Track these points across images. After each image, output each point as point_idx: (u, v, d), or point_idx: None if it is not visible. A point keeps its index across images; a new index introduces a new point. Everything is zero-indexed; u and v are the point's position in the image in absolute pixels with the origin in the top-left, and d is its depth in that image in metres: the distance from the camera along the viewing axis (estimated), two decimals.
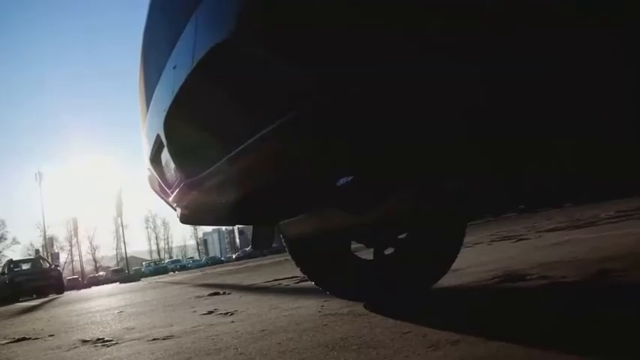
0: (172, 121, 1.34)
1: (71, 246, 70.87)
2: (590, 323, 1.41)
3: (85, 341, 2.72)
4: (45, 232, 58.44)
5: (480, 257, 3.99)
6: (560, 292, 2.04)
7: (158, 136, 1.51)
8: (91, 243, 74.10)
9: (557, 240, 4.38)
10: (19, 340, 3.36)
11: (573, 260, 2.84)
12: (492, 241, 5.86)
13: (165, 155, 1.57)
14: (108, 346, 2.40)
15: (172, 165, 1.55)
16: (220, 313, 3.07)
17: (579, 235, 4.53)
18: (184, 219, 2.00)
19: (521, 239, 5.30)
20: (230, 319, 2.73)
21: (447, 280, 2.66)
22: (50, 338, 3.19)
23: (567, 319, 1.51)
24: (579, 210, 8.50)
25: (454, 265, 2.63)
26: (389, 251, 2.54)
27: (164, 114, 1.34)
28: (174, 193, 1.69)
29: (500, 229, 8.00)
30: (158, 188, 1.97)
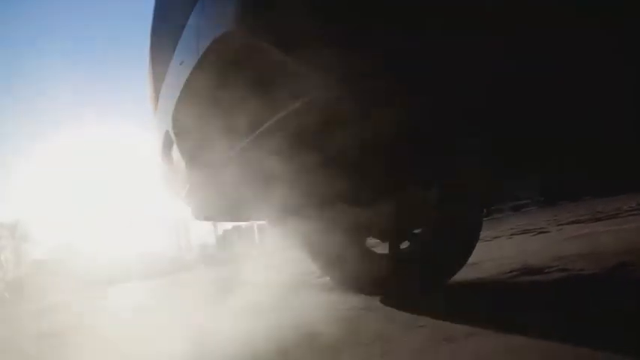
0: (180, 116, 1.35)
1: (94, 245, 71.80)
2: (606, 317, 1.38)
3: (105, 339, 2.76)
4: (68, 232, 59.33)
5: (498, 251, 3.95)
6: (579, 285, 2.01)
7: (167, 132, 1.52)
8: (113, 242, 75.02)
9: (578, 233, 4.31)
10: (42, 337, 3.43)
11: (593, 253, 2.80)
12: (512, 234, 5.79)
13: (175, 151, 1.58)
14: (126, 345, 2.43)
15: (182, 161, 1.56)
16: (238, 307, 3.08)
17: (600, 227, 4.46)
18: (196, 215, 2.01)
19: (541, 232, 5.23)
20: (249, 312, 2.74)
21: (464, 274, 2.64)
22: (73, 335, 3.25)
23: (584, 312, 1.49)
24: (601, 202, 8.37)
25: (472, 259, 2.60)
26: (404, 245, 2.53)
27: (172, 110, 1.35)
28: (186, 190, 1.70)
29: (520, 223, 7.90)
30: (170, 184, 1.98)
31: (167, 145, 1.65)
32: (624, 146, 0.97)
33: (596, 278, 2.06)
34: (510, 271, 2.63)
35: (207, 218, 2.21)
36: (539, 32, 0.76)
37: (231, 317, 2.70)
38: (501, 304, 1.89)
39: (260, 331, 2.08)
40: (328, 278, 2.57)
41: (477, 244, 2.62)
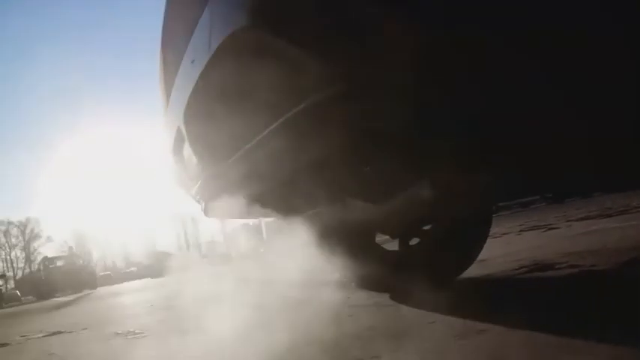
0: (192, 113, 1.36)
1: (103, 243, 72.10)
2: (618, 313, 1.38)
3: (117, 334, 2.78)
4: (78, 230, 59.62)
5: (508, 247, 3.94)
6: (590, 281, 2.00)
7: (179, 129, 1.53)
8: (122, 239, 75.42)
9: (587, 229, 4.29)
10: (54, 333, 3.46)
11: (603, 249, 2.78)
12: (521, 231, 5.77)
13: (187, 148, 1.59)
14: (139, 339, 2.45)
15: (194, 158, 1.57)
16: (247, 305, 3.09)
17: (610, 223, 4.43)
18: (208, 212, 2.02)
19: (551, 228, 5.20)
20: (258, 311, 2.75)
21: (474, 271, 2.63)
22: (84, 331, 3.27)
23: (596, 308, 1.48)
24: (610, 199, 8.31)
25: (481, 256, 2.60)
26: (414, 242, 2.52)
27: (184, 107, 1.36)
28: (197, 186, 1.71)
29: (529, 219, 7.87)
30: (181, 182, 1.99)
31: (179, 142, 1.66)
32: (625, 146, 0.97)
33: (607, 274, 2.06)
34: (520, 268, 2.62)
35: (217, 215, 2.21)
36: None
37: (243, 313, 2.71)
38: (512, 300, 1.89)
39: (270, 331, 2.09)
40: (337, 275, 2.57)
41: (486, 241, 2.61)
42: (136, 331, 2.71)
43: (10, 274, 62.95)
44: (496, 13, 0.79)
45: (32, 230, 68.29)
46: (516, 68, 0.83)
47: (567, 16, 0.75)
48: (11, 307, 18.20)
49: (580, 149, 1.00)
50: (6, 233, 66.73)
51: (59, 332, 3.47)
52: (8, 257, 66.24)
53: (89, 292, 18.78)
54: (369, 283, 2.52)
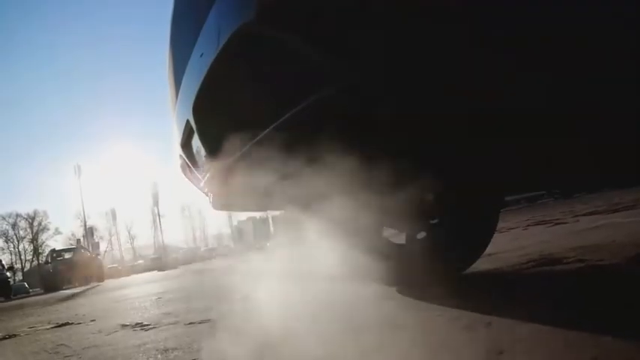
0: (201, 106, 1.37)
1: (110, 235, 72.60)
2: (626, 307, 1.38)
3: (124, 325, 2.80)
4: (85, 223, 60.02)
5: (515, 242, 3.93)
6: (597, 275, 2.00)
7: (188, 122, 1.54)
8: (129, 232, 75.90)
9: (595, 224, 4.27)
10: (62, 325, 3.49)
11: (611, 244, 2.77)
12: (528, 225, 5.75)
13: (196, 141, 1.59)
14: (146, 330, 2.47)
15: (202, 150, 1.58)
16: (252, 298, 3.10)
17: (617, 219, 4.41)
18: (216, 205, 2.02)
19: (558, 223, 5.18)
20: (264, 304, 2.76)
21: (482, 265, 2.63)
22: (92, 323, 3.30)
23: (603, 303, 1.48)
24: (618, 194, 8.26)
25: (489, 250, 2.60)
26: (421, 236, 2.53)
27: (193, 100, 1.36)
28: (206, 179, 1.71)
29: (535, 214, 7.84)
30: (190, 175, 2.00)
31: (187, 135, 1.67)
32: (627, 146, 0.97)
33: (614, 269, 2.05)
34: (528, 262, 2.61)
35: (225, 208, 2.22)
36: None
37: (243, 307, 2.72)
38: (519, 294, 1.89)
39: (272, 326, 2.09)
40: (344, 268, 2.57)
41: (494, 235, 2.61)
42: (144, 323, 2.73)
43: (18, 266, 63.60)
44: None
45: (40, 223, 68.91)
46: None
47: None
48: (19, 299, 18.35)
49: (588, 148, 1.00)
50: (14, 226, 67.37)
51: (67, 324, 3.50)
52: (16, 249, 66.93)
53: (97, 284, 18.91)
54: (376, 277, 2.52)
